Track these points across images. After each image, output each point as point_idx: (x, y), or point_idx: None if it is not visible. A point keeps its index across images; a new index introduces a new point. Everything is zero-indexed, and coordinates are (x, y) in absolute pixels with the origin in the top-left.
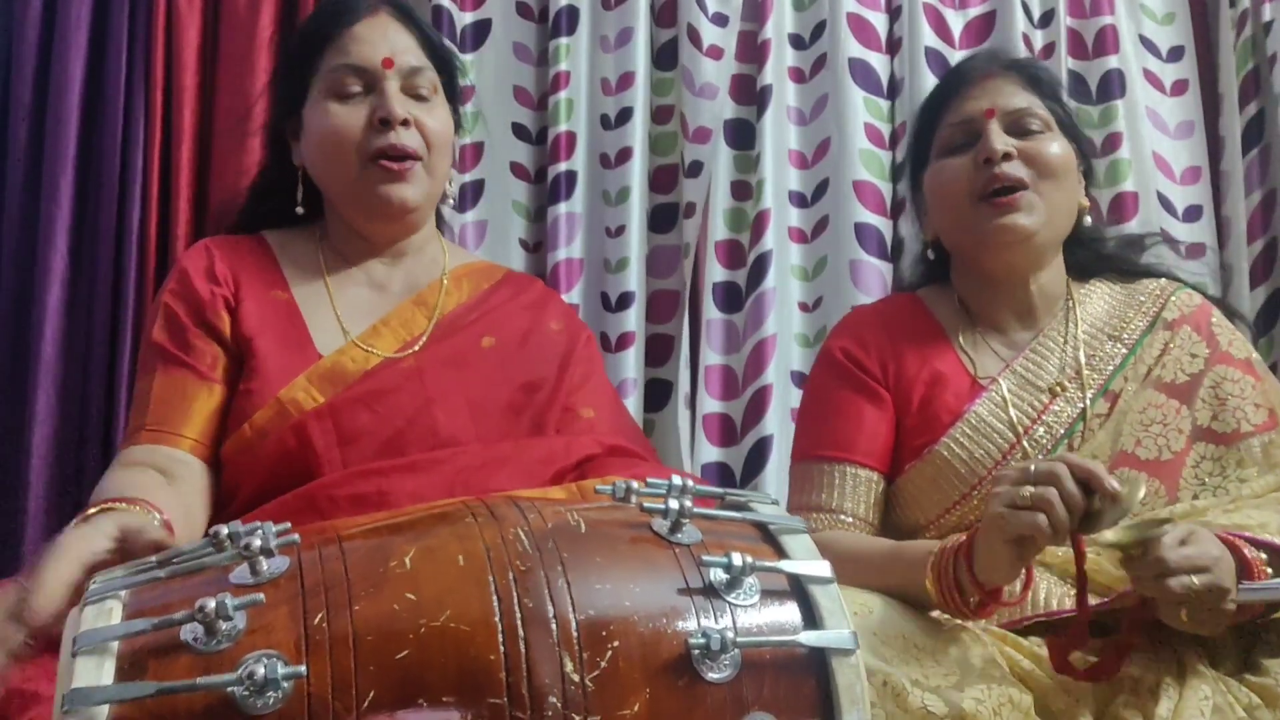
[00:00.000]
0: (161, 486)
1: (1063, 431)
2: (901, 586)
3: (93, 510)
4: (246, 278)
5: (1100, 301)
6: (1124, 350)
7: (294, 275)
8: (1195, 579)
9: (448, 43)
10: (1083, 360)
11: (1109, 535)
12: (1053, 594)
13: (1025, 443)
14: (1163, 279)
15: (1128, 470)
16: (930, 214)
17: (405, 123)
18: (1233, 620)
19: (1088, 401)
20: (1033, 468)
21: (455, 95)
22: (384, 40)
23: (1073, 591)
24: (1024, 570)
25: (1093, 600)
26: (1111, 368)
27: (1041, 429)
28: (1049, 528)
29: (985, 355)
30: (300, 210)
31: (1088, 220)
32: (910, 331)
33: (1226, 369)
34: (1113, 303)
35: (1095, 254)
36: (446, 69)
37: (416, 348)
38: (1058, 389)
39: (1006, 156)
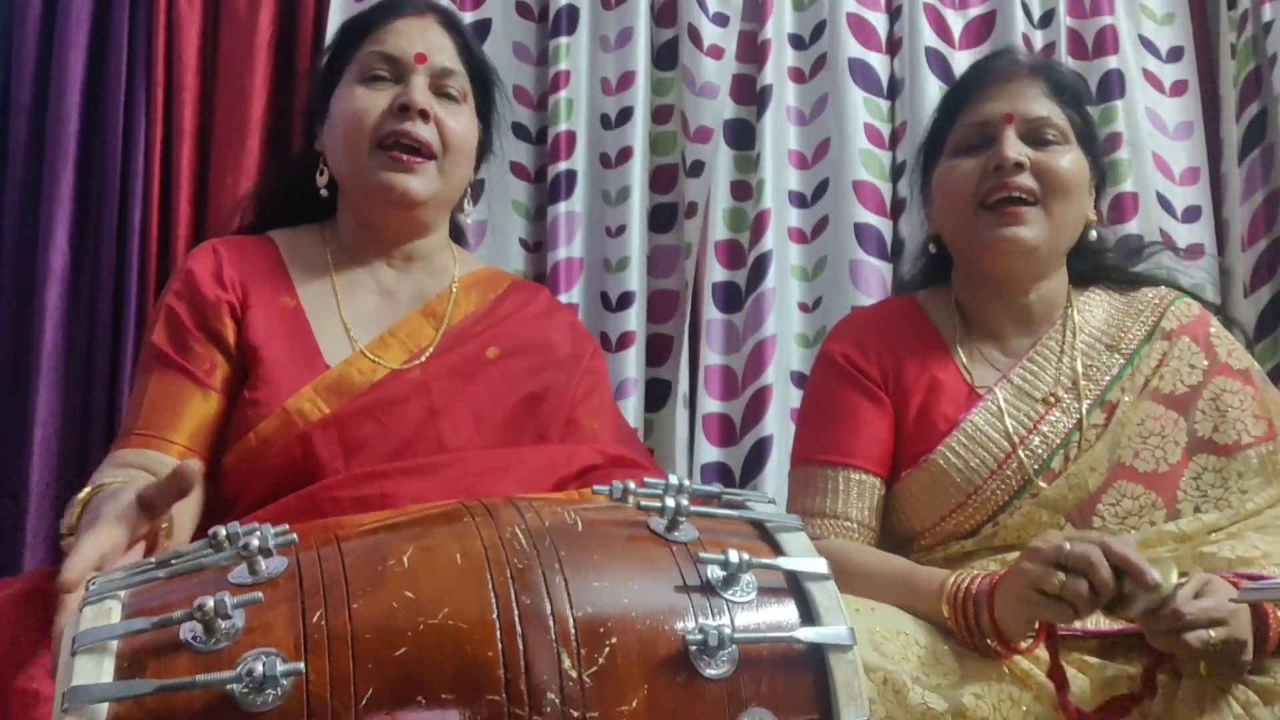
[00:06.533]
0: None
1: (1059, 442)
2: (911, 610)
3: (85, 492)
4: (254, 283)
5: (1099, 310)
6: (1121, 360)
7: (302, 280)
8: (1212, 633)
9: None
10: (1080, 370)
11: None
12: None
13: (1021, 453)
14: (1162, 287)
15: (1161, 556)
16: (935, 211)
17: (425, 115)
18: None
19: (1084, 412)
20: (1067, 547)
21: (489, 114)
22: (422, 37)
23: None
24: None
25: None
26: (1109, 378)
27: (1037, 439)
28: (1073, 616)
29: (982, 364)
30: (324, 193)
31: (1093, 235)
32: (909, 338)
33: (1226, 380)
34: (1111, 311)
35: (1096, 265)
36: (483, 84)
37: (423, 359)
38: (1052, 399)
39: (1019, 166)
